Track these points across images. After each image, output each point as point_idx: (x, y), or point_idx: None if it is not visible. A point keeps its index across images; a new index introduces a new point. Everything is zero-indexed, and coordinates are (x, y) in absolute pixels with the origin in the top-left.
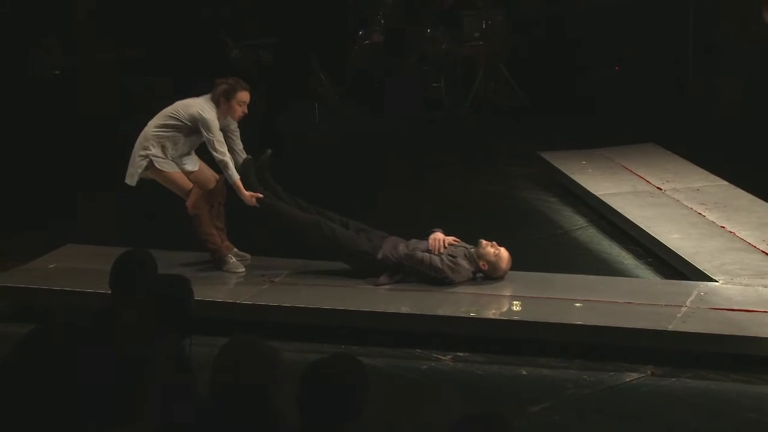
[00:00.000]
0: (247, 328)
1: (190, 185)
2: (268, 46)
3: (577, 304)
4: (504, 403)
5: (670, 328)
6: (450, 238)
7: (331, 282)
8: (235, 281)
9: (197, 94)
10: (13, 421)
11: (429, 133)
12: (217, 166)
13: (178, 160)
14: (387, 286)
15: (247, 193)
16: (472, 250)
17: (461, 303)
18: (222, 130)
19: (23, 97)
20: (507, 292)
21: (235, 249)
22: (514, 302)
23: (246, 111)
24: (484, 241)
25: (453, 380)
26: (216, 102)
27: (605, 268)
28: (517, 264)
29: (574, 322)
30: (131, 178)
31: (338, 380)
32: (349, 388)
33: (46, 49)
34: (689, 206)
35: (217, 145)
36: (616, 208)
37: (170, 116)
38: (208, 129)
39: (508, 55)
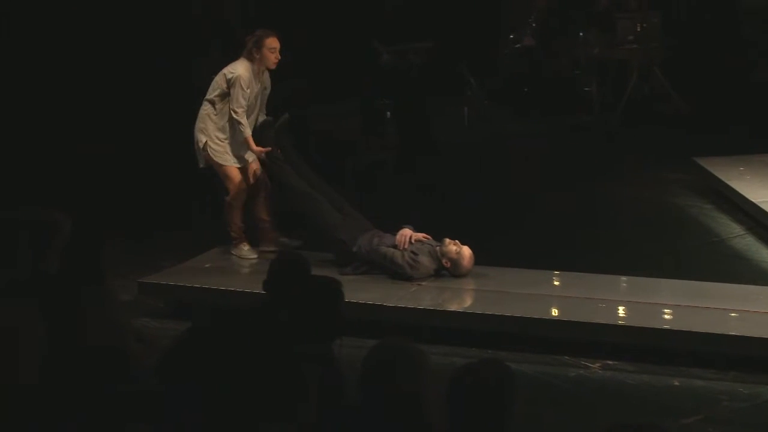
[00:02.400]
0: (394, 331)
1: (238, 178)
2: (419, 51)
3: (733, 314)
4: (654, 413)
5: None
6: (419, 235)
7: (480, 286)
8: (383, 284)
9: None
10: (172, 415)
11: (580, 138)
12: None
13: (233, 145)
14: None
15: (257, 147)
16: (438, 248)
17: (612, 311)
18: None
19: (184, 103)
20: (660, 300)
21: (282, 238)
22: (667, 310)
23: (278, 57)
24: (447, 240)
25: (602, 389)
26: (249, 57)
27: (763, 277)
28: (671, 272)
29: (730, 333)
30: (199, 162)
31: (487, 385)
32: (498, 394)
33: (211, 53)
34: None
35: (235, 104)
36: None
37: (212, 87)
38: (232, 85)
39: (663, 58)
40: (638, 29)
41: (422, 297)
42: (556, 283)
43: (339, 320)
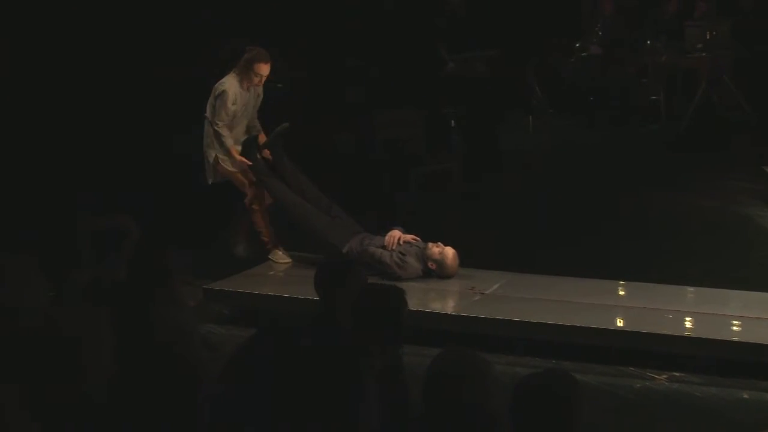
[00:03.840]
0: (457, 340)
1: (253, 180)
2: (484, 59)
3: None
4: (723, 427)
5: None
6: (408, 237)
7: (543, 296)
8: (446, 293)
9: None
10: (233, 422)
11: (646, 147)
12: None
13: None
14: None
15: (239, 157)
16: (423, 250)
17: (679, 322)
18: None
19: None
20: (727, 312)
21: (280, 250)
22: (735, 322)
23: (261, 82)
24: (430, 243)
25: (668, 401)
26: (238, 71)
27: None
28: (740, 282)
29: None
30: (207, 178)
31: (552, 396)
32: (563, 405)
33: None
34: None
35: (216, 117)
36: None
37: (208, 105)
38: (218, 98)
39: (733, 66)
40: (707, 37)
41: (486, 306)
42: (622, 293)
43: (401, 328)
